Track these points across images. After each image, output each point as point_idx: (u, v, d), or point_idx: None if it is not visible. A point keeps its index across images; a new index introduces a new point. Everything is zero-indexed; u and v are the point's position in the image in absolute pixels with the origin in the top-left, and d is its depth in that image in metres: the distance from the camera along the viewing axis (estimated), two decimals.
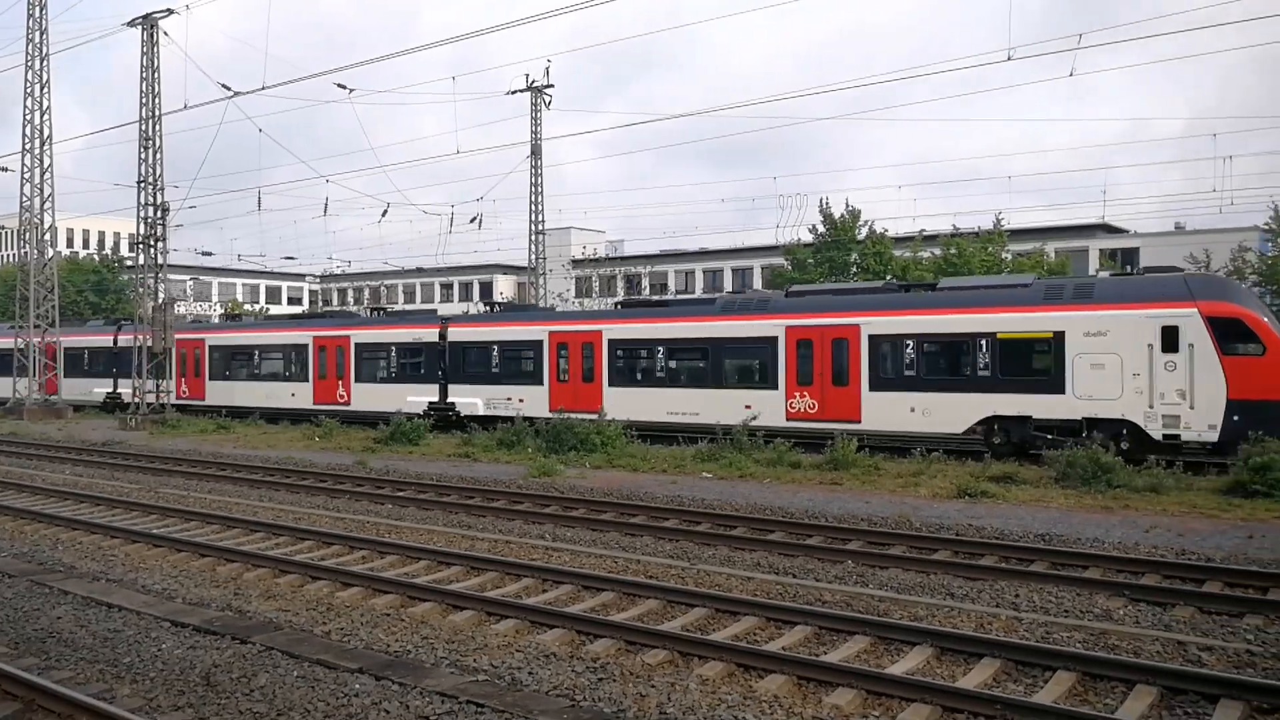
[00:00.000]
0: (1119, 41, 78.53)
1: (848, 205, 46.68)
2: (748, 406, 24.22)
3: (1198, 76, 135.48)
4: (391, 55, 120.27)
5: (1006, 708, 7.27)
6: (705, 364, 25.85)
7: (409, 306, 71.30)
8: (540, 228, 47.08)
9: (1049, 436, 20.92)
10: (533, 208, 46.64)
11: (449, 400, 30.79)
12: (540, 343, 28.93)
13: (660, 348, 26.58)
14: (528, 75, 45.16)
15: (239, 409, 35.90)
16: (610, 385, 27.29)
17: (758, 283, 66.24)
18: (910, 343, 22.46)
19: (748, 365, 25.43)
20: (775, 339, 24.42)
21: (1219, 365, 19.08)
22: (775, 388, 24.35)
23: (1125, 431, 20.00)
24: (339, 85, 35.99)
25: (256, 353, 36.35)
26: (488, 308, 35.83)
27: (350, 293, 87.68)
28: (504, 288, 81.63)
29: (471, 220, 47.38)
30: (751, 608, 10.10)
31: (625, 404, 26.56)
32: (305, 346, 34.49)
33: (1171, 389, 19.45)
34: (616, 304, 34.25)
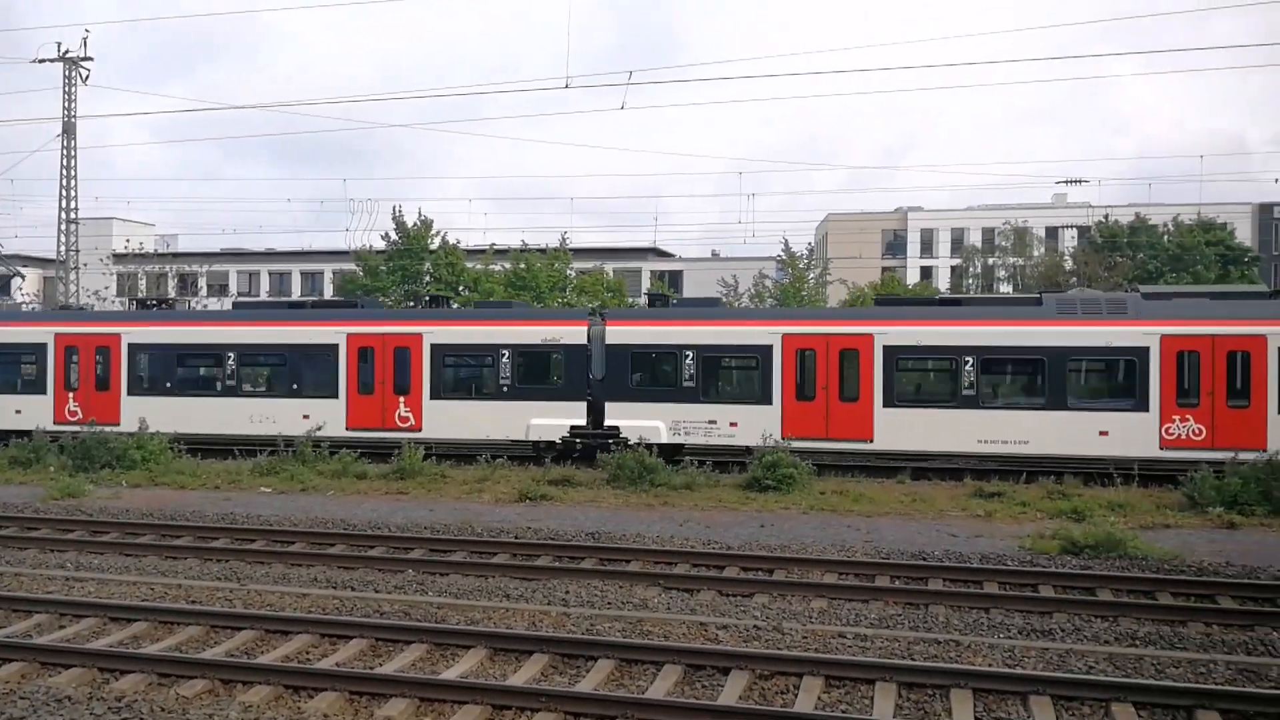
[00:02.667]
0: (670, 81, 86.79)
1: (420, 214, 46.66)
2: None
3: (736, 120, 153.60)
4: None
5: (551, 699, 7.68)
6: None
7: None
8: (73, 216, 41.63)
9: None
10: (63, 193, 41.12)
11: (608, 423, 22.31)
12: (769, 348, 21.80)
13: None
14: (60, 44, 39.80)
15: (192, 438, 24.14)
16: (885, 406, 20.94)
17: (328, 289, 63.94)
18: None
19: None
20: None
21: None
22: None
23: None
24: None
25: (232, 355, 24.64)
26: (650, 302, 26.67)
27: None
28: (26, 283, 70.86)
29: None
30: (305, 625, 9.71)
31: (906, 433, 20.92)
32: (336, 347, 23.85)
33: None
34: (880, 302, 27.47)
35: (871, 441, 20.96)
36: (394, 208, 47.37)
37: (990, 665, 8.73)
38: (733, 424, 21.62)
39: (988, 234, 66.35)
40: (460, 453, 23.43)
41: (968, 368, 20.61)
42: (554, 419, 22.52)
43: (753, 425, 21.15)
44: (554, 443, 22.63)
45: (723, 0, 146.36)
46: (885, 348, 20.94)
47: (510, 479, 19.86)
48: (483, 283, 43.54)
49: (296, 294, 65.09)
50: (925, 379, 22.02)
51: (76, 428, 24.15)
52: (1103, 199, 55.91)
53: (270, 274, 70.91)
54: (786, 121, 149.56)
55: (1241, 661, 8.86)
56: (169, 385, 25.23)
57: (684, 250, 69.90)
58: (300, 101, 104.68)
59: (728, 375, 22.83)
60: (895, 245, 77.14)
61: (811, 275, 47.26)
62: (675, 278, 62.92)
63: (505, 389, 22.93)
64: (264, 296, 63.08)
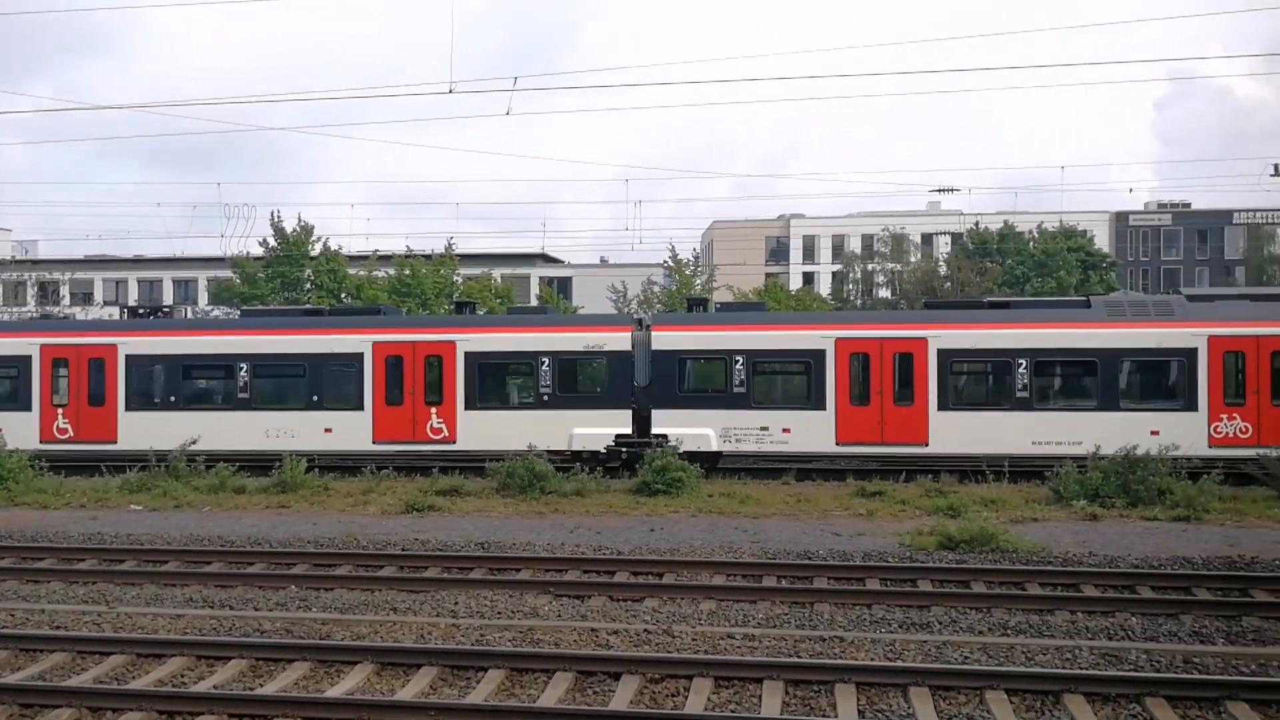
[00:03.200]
0: (557, 88, 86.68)
1: (300, 220, 45.42)
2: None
3: (624, 128, 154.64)
4: None
5: (439, 711, 7.58)
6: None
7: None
8: None
9: None
10: None
11: (656, 432, 21.57)
12: (822, 352, 21.36)
13: None
14: None
15: (206, 455, 21.48)
16: (940, 409, 20.86)
17: (203, 297, 61.62)
18: None
19: None
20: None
21: None
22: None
23: None
24: None
25: (245, 366, 23.03)
26: (690, 306, 25.72)
27: None
28: None
29: None
30: (180, 647, 9.33)
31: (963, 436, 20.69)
32: (360, 356, 22.63)
33: None
34: (930, 305, 26.98)
35: (927, 445, 20.87)
36: (272, 213, 45.99)
37: (872, 660, 8.99)
38: (785, 430, 21.20)
39: (867, 240, 68.49)
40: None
41: (1021, 370, 20.76)
42: (598, 428, 21.80)
43: (806, 431, 21.04)
44: (598, 452, 21.84)
45: (609, 9, 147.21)
46: (940, 351, 20.96)
47: (397, 490, 19.49)
48: (366, 290, 42.65)
49: (168, 303, 62.48)
50: (979, 382, 21.88)
51: (68, 446, 22.77)
52: (973, 206, 58.34)
53: (139, 282, 67.93)
54: (674, 130, 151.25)
55: (1103, 646, 9.35)
56: (173, 399, 23.31)
57: (573, 256, 70.02)
58: (173, 102, 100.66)
59: (779, 380, 22.30)
60: (779, 251, 78.85)
61: (698, 282, 47.91)
62: (564, 284, 62.87)
63: (545, 397, 22.15)
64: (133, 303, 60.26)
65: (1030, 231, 58.46)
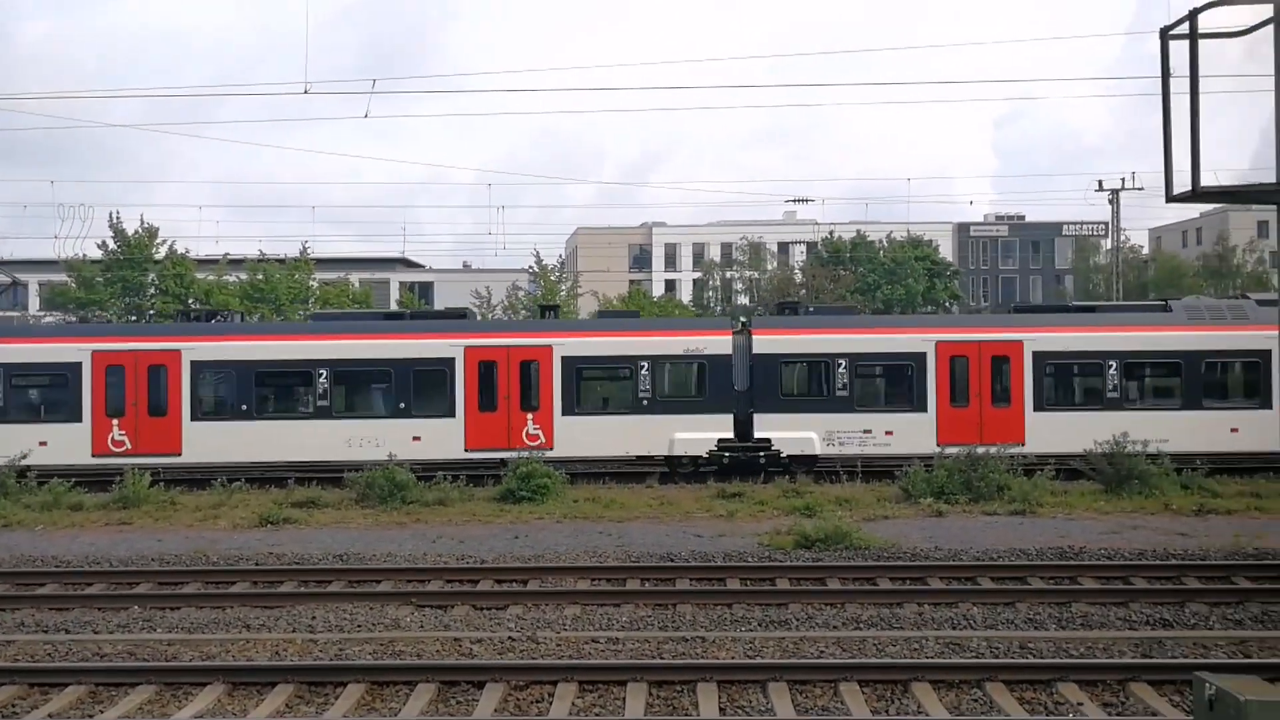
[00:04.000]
0: (417, 91, 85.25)
1: (143, 221, 43.20)
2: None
3: (488, 132, 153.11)
4: None
5: None
6: None
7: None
8: None
9: None
10: None
11: (759, 435, 21.36)
12: (923, 355, 21.43)
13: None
14: None
15: (277, 467, 21.17)
16: (1035, 410, 21.39)
17: (34, 302, 57.76)
18: None
19: None
20: None
21: None
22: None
23: None
24: None
25: (325, 372, 21.59)
26: (781, 309, 25.27)
27: None
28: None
29: None
30: (9, 675, 8.75)
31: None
32: (451, 361, 21.60)
33: None
34: (1019, 310, 27.03)
35: (1024, 445, 20.97)
36: (111, 213, 43.54)
37: (733, 658, 9.21)
38: (888, 433, 21.21)
39: (726, 249, 69.93)
40: (593, 471, 21.58)
41: (1111, 371, 21.50)
42: (700, 433, 21.41)
43: (908, 433, 21.12)
44: (699, 457, 21.65)
45: (470, 12, 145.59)
46: (1035, 354, 21.53)
47: (250, 503, 18.75)
48: (215, 295, 40.93)
49: None
50: (1072, 383, 22.51)
51: (125, 460, 20.44)
52: (827, 216, 60.39)
53: None
54: (537, 136, 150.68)
55: (948, 635, 9.86)
56: (245, 408, 21.78)
57: (435, 261, 68.90)
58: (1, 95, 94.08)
59: (881, 383, 22.34)
60: (641, 259, 79.65)
61: (563, 288, 47.96)
62: (426, 289, 61.84)
63: (645, 402, 21.65)
64: None
65: (880, 241, 60.91)
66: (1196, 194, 5.66)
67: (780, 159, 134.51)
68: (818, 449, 21.41)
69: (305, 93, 21.00)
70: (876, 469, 20.88)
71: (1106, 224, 46.51)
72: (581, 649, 9.55)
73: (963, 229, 79.02)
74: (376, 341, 22.14)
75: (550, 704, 8.17)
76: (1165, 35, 5.69)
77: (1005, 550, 13.95)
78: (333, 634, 10.23)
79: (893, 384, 22.37)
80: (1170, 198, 5.79)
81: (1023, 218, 79.38)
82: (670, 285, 74.81)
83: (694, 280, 72.05)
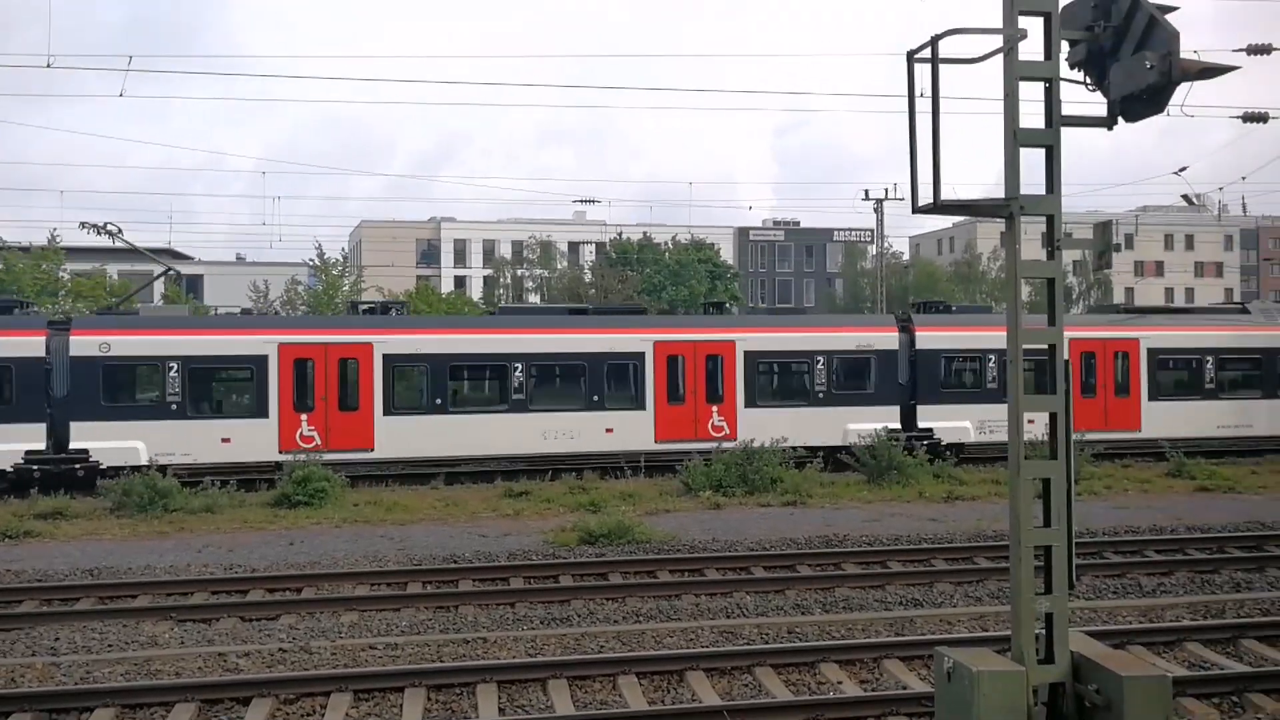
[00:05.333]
0: (182, 71, 79.83)
1: None
2: None
3: (265, 119, 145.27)
4: None
5: None
6: None
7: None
8: None
9: None
10: None
11: (922, 425, 23.10)
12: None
13: None
14: None
15: (453, 461, 21.75)
16: (1150, 400, 24.52)
17: None
18: None
19: None
20: None
21: None
22: None
23: None
24: None
25: (520, 366, 21.80)
26: (923, 307, 26.36)
27: None
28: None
29: None
30: None
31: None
32: (642, 356, 22.27)
33: None
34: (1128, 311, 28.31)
35: (1140, 431, 24.01)
36: None
37: (514, 657, 9.20)
38: (1030, 421, 21.49)
39: (516, 246, 69.72)
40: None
41: (1209, 366, 24.85)
42: (870, 423, 21.98)
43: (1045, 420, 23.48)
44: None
45: None
46: (1149, 350, 24.62)
47: None
48: None
49: None
50: (1178, 376, 25.28)
51: (310, 456, 19.43)
52: (615, 218, 61.33)
53: None
54: (320, 125, 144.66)
55: (722, 624, 10.24)
56: (439, 402, 21.56)
57: (205, 253, 64.81)
58: None
59: (1028, 376, 23.56)
60: (430, 254, 78.13)
61: (346, 282, 46.32)
62: (195, 282, 58.04)
63: (820, 395, 22.97)
64: None
65: (665, 243, 62.48)
66: (938, 206, 6.12)
67: (571, 159, 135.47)
68: (972, 437, 23.55)
69: (48, 66, 19.12)
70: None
71: (873, 231, 49.74)
72: (358, 657, 9.26)
73: (743, 233, 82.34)
74: (571, 335, 22.52)
75: (323, 716, 7.87)
76: (911, 58, 6.13)
77: (777, 540, 14.65)
78: (79, 656, 9.42)
79: (1034, 377, 24.87)
80: (915, 209, 6.24)
81: (798, 223, 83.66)
82: (460, 282, 73.79)
83: (484, 278, 71.40)
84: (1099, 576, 12.25)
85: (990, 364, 23.76)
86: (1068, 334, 22.23)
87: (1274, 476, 21.22)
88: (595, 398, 22.18)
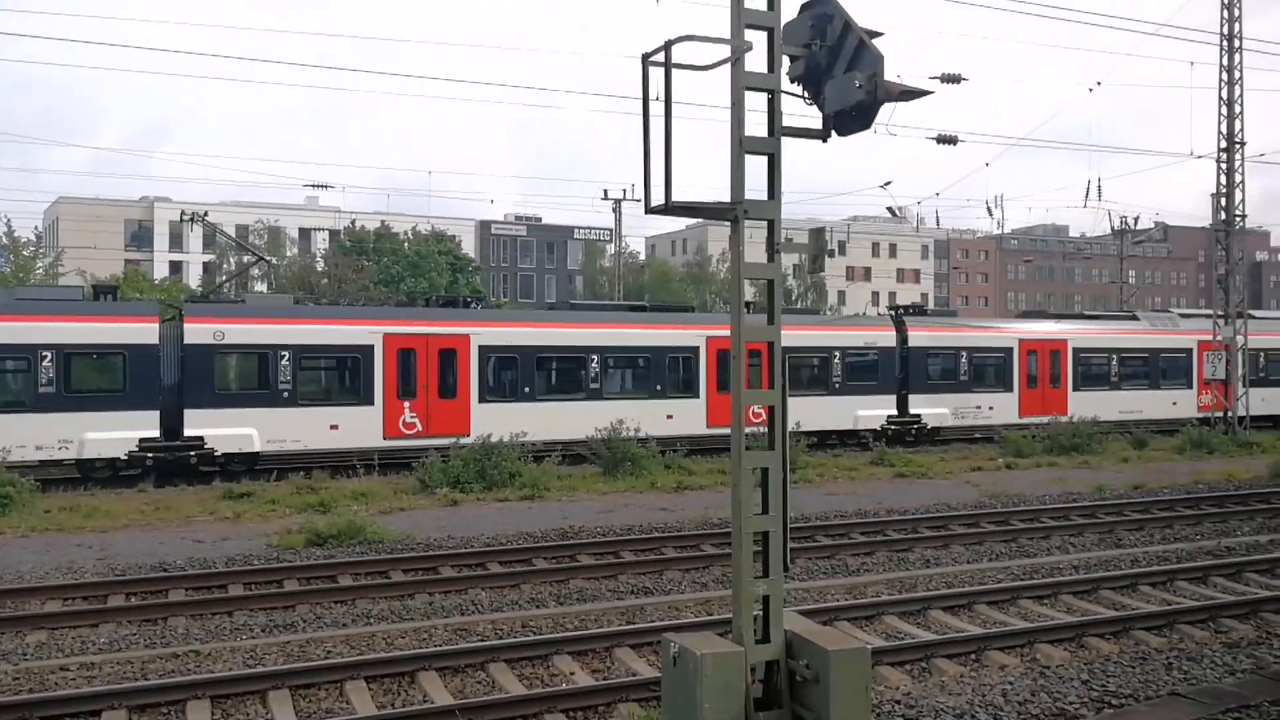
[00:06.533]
0: None
1: None
2: None
3: None
4: None
5: None
6: None
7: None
8: None
9: None
10: None
11: (913, 411, 27.81)
12: (1011, 350, 29.21)
13: None
14: None
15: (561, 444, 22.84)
16: (1074, 390, 30.26)
17: None
18: None
19: None
20: None
21: None
22: None
23: None
24: None
25: (596, 358, 23.95)
26: (899, 311, 30.19)
27: None
28: None
29: None
30: None
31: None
32: (696, 350, 25.14)
33: None
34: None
35: (1067, 415, 28.30)
36: None
37: (231, 669, 8.61)
38: (991, 408, 29.01)
39: (241, 231, 65.55)
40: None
41: (1114, 363, 30.88)
42: (875, 410, 27.16)
43: (1000, 407, 29.00)
44: (875, 430, 27.01)
45: None
46: (1074, 350, 30.13)
47: None
48: None
49: None
50: (1095, 371, 30.68)
51: (416, 442, 21.19)
52: (349, 205, 59.06)
53: None
54: (14, 88, 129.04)
55: (457, 622, 10.10)
56: (527, 390, 23.53)
57: None
58: None
59: (987, 369, 29.16)
60: (141, 236, 71.89)
61: (40, 265, 41.69)
62: None
63: (836, 385, 26.85)
64: None
65: (405, 233, 60.90)
66: (669, 207, 6.31)
67: (304, 142, 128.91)
68: (950, 422, 28.45)
69: None
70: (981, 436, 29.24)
71: (611, 230, 50.91)
72: (46, 680, 8.33)
73: (485, 226, 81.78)
74: (637, 330, 24.83)
75: None
76: (646, 61, 6.28)
77: (514, 534, 14.65)
78: None
79: (989, 369, 29.24)
80: (648, 209, 6.40)
81: (540, 219, 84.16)
82: (176, 267, 68.37)
83: (204, 264, 66.55)
84: (811, 559, 13.18)
85: (962, 360, 28.85)
86: (1042, 334, 26.58)
87: (958, 463, 23.75)
88: (658, 387, 24.80)
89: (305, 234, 68.24)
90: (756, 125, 6.30)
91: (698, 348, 25.17)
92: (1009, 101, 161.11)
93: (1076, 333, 30.65)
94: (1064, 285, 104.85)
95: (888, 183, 35.11)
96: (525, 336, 23.76)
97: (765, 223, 6.33)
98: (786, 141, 6.39)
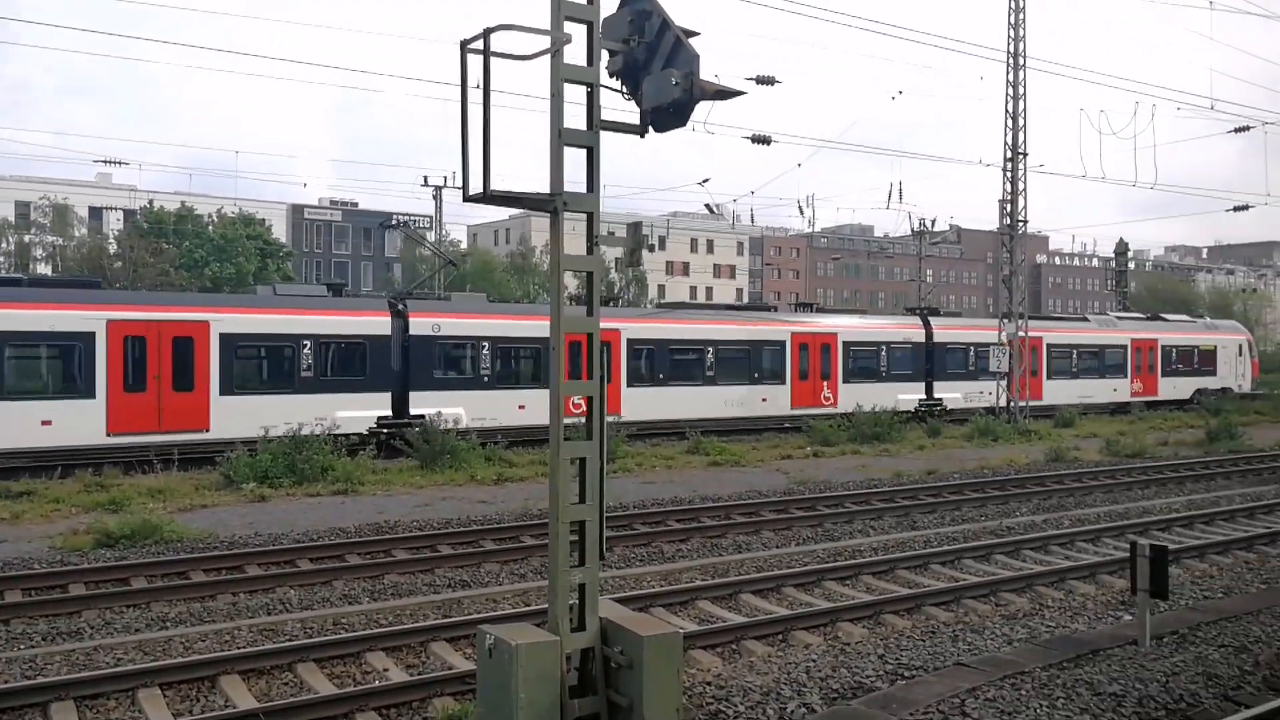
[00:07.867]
0: None
1: None
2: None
3: None
4: None
5: None
6: None
7: None
8: None
9: None
10: None
11: (937, 395, 33.17)
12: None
13: None
14: None
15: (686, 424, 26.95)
16: (1047, 379, 36.24)
17: None
18: None
19: None
20: None
21: None
22: None
23: None
24: None
25: (711, 350, 28.59)
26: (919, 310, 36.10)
27: None
28: None
29: None
30: None
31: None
32: (782, 344, 29.92)
33: None
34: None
35: (1043, 400, 34.56)
36: None
37: (5, 683, 7.95)
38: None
39: (22, 208, 60.22)
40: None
41: (1074, 356, 36.74)
42: (910, 395, 32.63)
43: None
44: (907, 412, 31.68)
45: None
46: (1048, 345, 35.69)
47: None
48: None
49: None
50: (1060, 363, 36.23)
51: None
52: (146, 184, 55.35)
53: None
54: None
55: (262, 622, 9.67)
56: (660, 376, 27.37)
57: None
58: None
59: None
60: None
61: None
62: None
63: (884, 373, 32.11)
64: None
65: (210, 215, 57.66)
66: (487, 196, 6.26)
67: (96, 116, 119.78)
68: (962, 404, 33.30)
69: None
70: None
71: (431, 217, 49.84)
72: None
73: (298, 210, 78.46)
74: (739, 326, 29.26)
75: None
76: (464, 48, 6.20)
77: (326, 530, 14.17)
78: None
79: (969, 357, 34.57)
80: (466, 197, 6.33)
81: (357, 205, 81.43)
82: None
83: None
84: (629, 546, 13.39)
85: (970, 353, 33.91)
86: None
87: (770, 451, 24.68)
88: (755, 375, 29.14)
89: (96, 213, 63.42)
90: (576, 118, 6.34)
91: (784, 341, 29.89)
92: (820, 106, 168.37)
93: (1046, 331, 36.29)
94: (869, 283, 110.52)
95: (706, 180, 36.05)
96: (661, 330, 27.67)
97: (584, 215, 6.38)
98: (607, 136, 6.47)
